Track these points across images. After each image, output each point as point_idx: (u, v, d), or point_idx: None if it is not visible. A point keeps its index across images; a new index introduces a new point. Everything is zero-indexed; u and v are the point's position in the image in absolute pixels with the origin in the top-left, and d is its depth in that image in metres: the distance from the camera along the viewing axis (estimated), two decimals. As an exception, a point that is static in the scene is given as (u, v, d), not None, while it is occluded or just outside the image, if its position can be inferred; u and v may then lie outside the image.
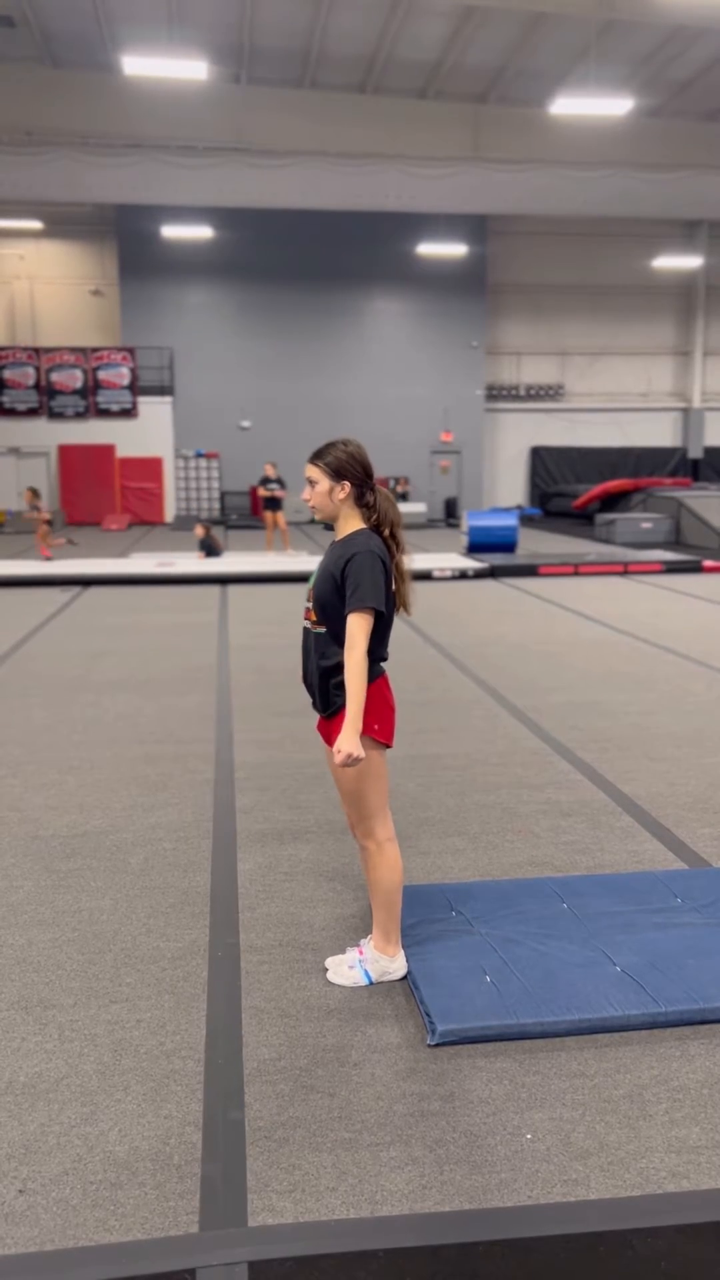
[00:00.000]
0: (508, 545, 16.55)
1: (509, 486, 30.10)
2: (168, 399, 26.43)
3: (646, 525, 20.13)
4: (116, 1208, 2.23)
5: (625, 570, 14.39)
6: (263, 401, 27.32)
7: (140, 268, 26.13)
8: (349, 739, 2.87)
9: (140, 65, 15.38)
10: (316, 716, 3.23)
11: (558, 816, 4.66)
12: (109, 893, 3.86)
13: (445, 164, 20.26)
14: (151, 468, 26.43)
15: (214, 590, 12.75)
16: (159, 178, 19.83)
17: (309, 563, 15.12)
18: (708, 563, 14.71)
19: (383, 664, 3.11)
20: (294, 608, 11.24)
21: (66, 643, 9.14)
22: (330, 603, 2.99)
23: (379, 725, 3.02)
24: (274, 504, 16.57)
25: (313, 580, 3.10)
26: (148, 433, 26.36)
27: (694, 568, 14.52)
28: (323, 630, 3.04)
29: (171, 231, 24.14)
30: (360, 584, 2.91)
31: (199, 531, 15.71)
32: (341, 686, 2.99)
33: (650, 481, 25.37)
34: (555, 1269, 2.06)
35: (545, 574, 14.02)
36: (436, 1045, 2.83)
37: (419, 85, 20.13)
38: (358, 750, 2.86)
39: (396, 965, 3.18)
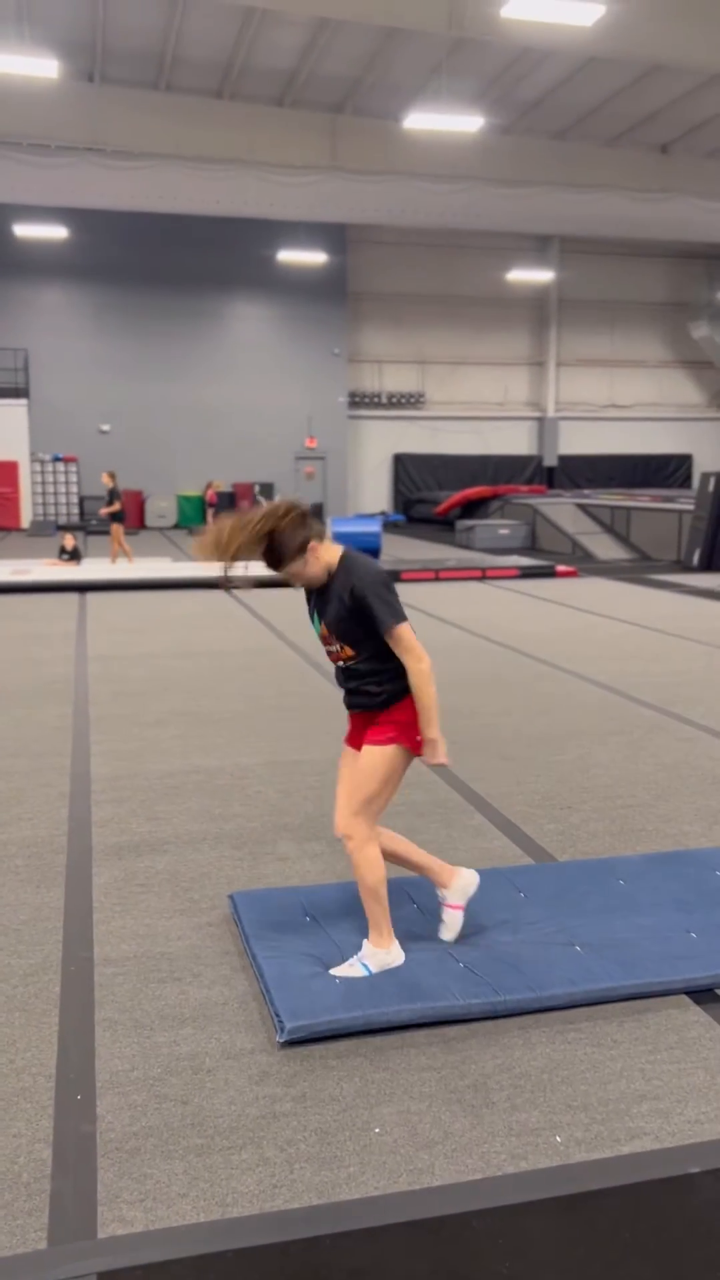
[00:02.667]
0: (371, 551, 16.74)
1: (373, 493, 30.48)
2: (23, 401, 25.76)
3: (504, 531, 20.72)
4: (-39, 1231, 2.20)
5: (484, 575, 14.79)
6: (123, 405, 26.91)
7: (-8, 267, 25.38)
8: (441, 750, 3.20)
9: (-12, 60, 14.97)
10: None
11: (413, 817, 4.78)
12: (-42, 912, 3.77)
13: (304, 172, 20.38)
14: (7, 472, 25.70)
15: (73, 598, 12.50)
16: (10, 175, 19.29)
17: (170, 569, 14.98)
18: (560, 568, 15.25)
19: None
20: (156, 614, 11.12)
21: None
22: (354, 633, 3.13)
23: (419, 737, 3.22)
24: (116, 516, 16.03)
25: (322, 627, 3.20)
26: (2, 436, 25.61)
27: (548, 572, 15.02)
28: (364, 657, 3.17)
29: (24, 230, 23.53)
30: (384, 600, 3.07)
31: (68, 542, 15.37)
32: (384, 681, 3.17)
33: (508, 489, 26.13)
34: (399, 1253, 2.14)
35: (407, 579, 14.27)
36: (286, 1043, 2.88)
37: (276, 93, 20.19)
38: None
39: (394, 956, 3.25)
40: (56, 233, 23.74)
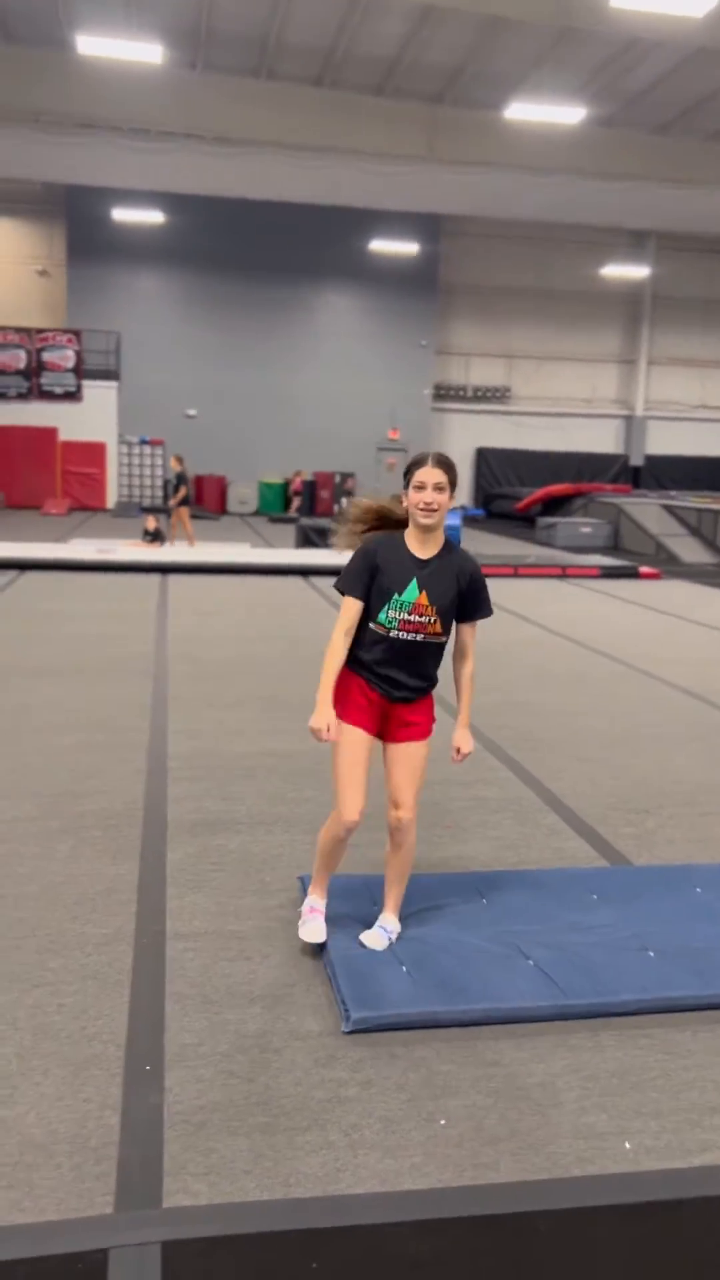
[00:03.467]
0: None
1: (453, 486, 30.29)
2: (113, 384, 26.14)
3: (586, 530, 20.44)
4: (31, 1189, 2.25)
5: (564, 573, 14.61)
6: (209, 391, 27.17)
7: (89, 250, 25.80)
8: (469, 737, 3.48)
9: (95, 45, 15.23)
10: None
11: (486, 813, 4.74)
12: (35, 878, 3.85)
13: (400, 161, 20.31)
14: (94, 453, 26.12)
15: (154, 579, 12.67)
16: (110, 160, 19.58)
17: (249, 554, 15.10)
18: (644, 569, 14.99)
19: None
20: (235, 598, 11.22)
21: (0, 627, 9.03)
22: (450, 615, 3.26)
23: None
24: (184, 501, 16.24)
25: (420, 595, 3.16)
26: (92, 417, 26.03)
27: (631, 573, 14.78)
28: (442, 639, 3.27)
29: (122, 214, 23.88)
30: (487, 594, 3.36)
31: (150, 524, 15.60)
32: (436, 673, 3.36)
33: (592, 487, 25.77)
34: (462, 1248, 2.12)
35: (486, 574, 14.12)
36: (351, 1033, 2.88)
37: (376, 82, 20.14)
38: None
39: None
40: (153, 218, 24.05)
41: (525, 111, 17.40)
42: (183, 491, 16.11)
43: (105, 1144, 2.41)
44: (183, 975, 3.18)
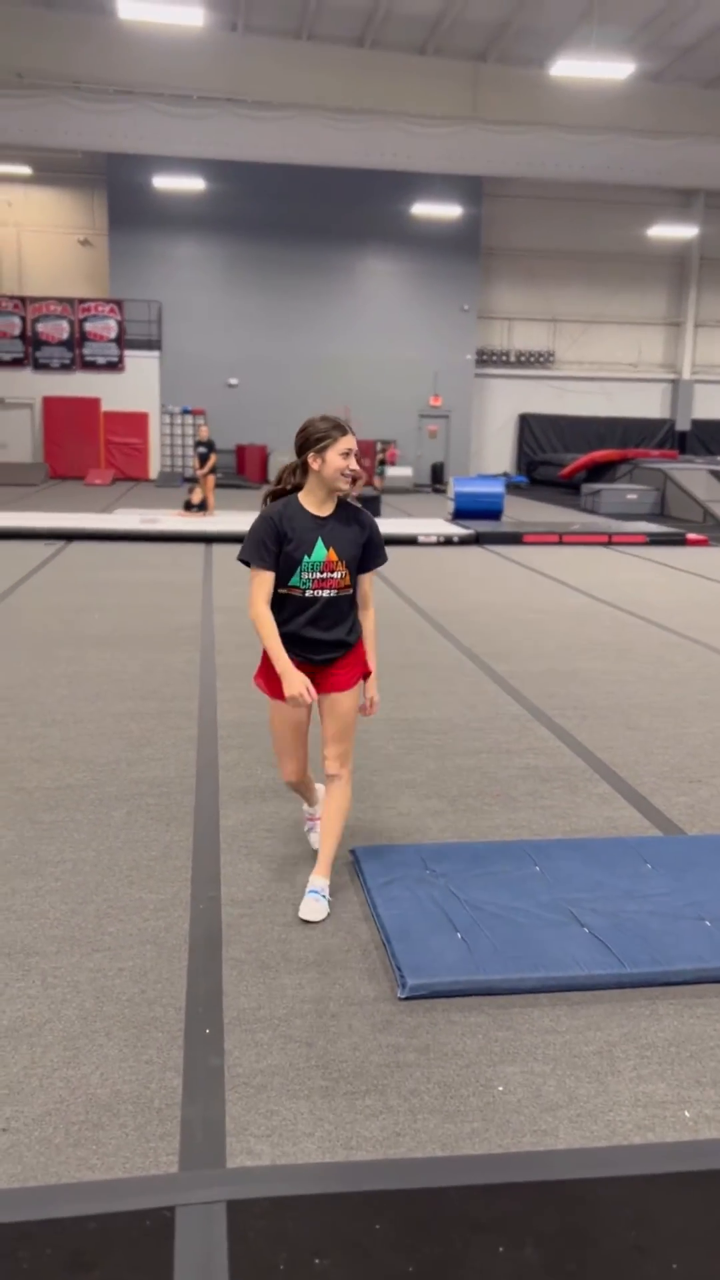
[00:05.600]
0: (494, 512, 16.57)
1: (496, 453, 30.05)
2: (155, 353, 26.16)
3: (632, 496, 20.19)
4: (98, 1147, 2.29)
5: (609, 541, 14.45)
6: (250, 359, 27.08)
7: (130, 218, 25.73)
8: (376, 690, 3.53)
9: (136, 9, 15.09)
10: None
11: (536, 782, 4.73)
12: (92, 844, 3.90)
13: (443, 123, 20.00)
14: (137, 422, 26.21)
15: (199, 549, 12.72)
16: (151, 126, 19.47)
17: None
18: (691, 536, 14.79)
19: None
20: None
21: (50, 597, 9.12)
22: (354, 565, 3.35)
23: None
24: (214, 469, 16.45)
25: (329, 553, 3.28)
26: (134, 387, 26.10)
27: (678, 540, 14.59)
28: (351, 591, 3.37)
29: (163, 182, 23.77)
30: (382, 545, 3.42)
31: (195, 495, 15.65)
32: (355, 623, 3.43)
33: (637, 453, 25.40)
34: (523, 1213, 2.14)
35: (530, 542, 14.05)
36: (406, 999, 2.90)
37: (419, 41, 19.82)
38: None
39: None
40: (193, 184, 23.92)
41: (571, 68, 17.04)
42: (213, 459, 16.23)
43: (168, 1105, 2.45)
44: (239, 940, 3.21)
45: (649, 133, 20.53)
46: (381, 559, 3.43)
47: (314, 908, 3.34)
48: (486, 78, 20.48)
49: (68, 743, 5.11)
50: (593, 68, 16.99)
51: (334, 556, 3.27)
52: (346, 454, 3.21)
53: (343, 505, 3.35)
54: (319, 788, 3.77)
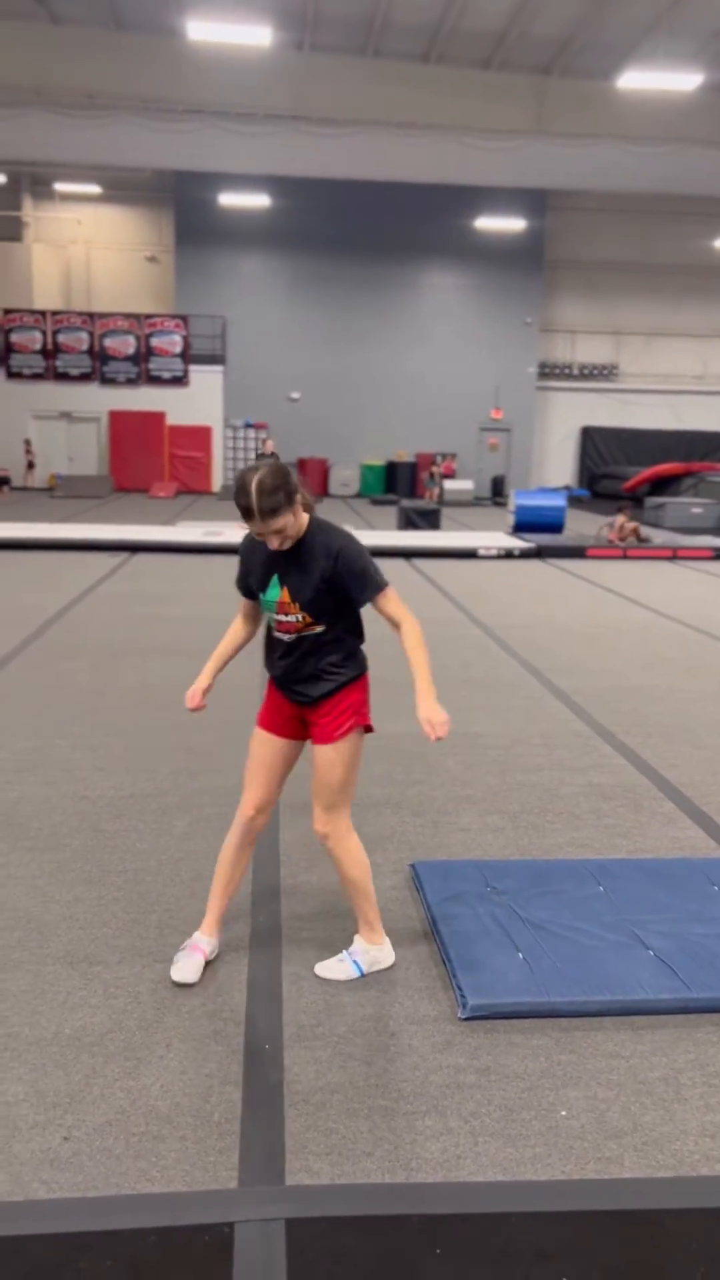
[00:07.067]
0: (555, 526, 16.43)
1: (558, 466, 29.84)
2: (219, 368, 26.44)
3: (697, 510, 19.89)
4: (158, 1159, 2.30)
5: (674, 555, 14.25)
6: (312, 373, 27.25)
7: (196, 235, 26.09)
8: (438, 708, 2.85)
9: (205, 30, 15.34)
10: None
11: (599, 799, 4.66)
12: (154, 854, 3.93)
13: (508, 137, 19.96)
14: (200, 436, 26.49)
15: (260, 561, 12.79)
16: (218, 145, 19.72)
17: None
18: (758, 550, 14.50)
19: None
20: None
21: (114, 608, 9.24)
22: (325, 601, 2.91)
23: (367, 713, 3.07)
24: None
25: (282, 593, 2.93)
26: (198, 401, 26.40)
27: (744, 555, 14.32)
28: (322, 629, 2.96)
29: (229, 200, 24.07)
30: (366, 568, 2.89)
31: None
32: (347, 659, 3.00)
33: (703, 466, 25.02)
34: (588, 1242, 2.09)
35: (592, 556, 13.91)
36: (467, 1019, 2.86)
37: (483, 55, 19.82)
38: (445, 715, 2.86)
39: (385, 953, 3.16)
40: (258, 201, 24.19)
41: (638, 80, 16.93)
42: None
43: (227, 1119, 2.44)
44: (299, 956, 3.20)
45: (715, 144, 20.28)
46: (369, 589, 2.89)
47: (334, 969, 3.11)
48: (552, 91, 20.40)
49: (131, 753, 5.16)
50: (660, 79, 16.86)
51: (286, 597, 2.91)
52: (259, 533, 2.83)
53: (313, 531, 2.90)
54: (223, 905, 3.19)
